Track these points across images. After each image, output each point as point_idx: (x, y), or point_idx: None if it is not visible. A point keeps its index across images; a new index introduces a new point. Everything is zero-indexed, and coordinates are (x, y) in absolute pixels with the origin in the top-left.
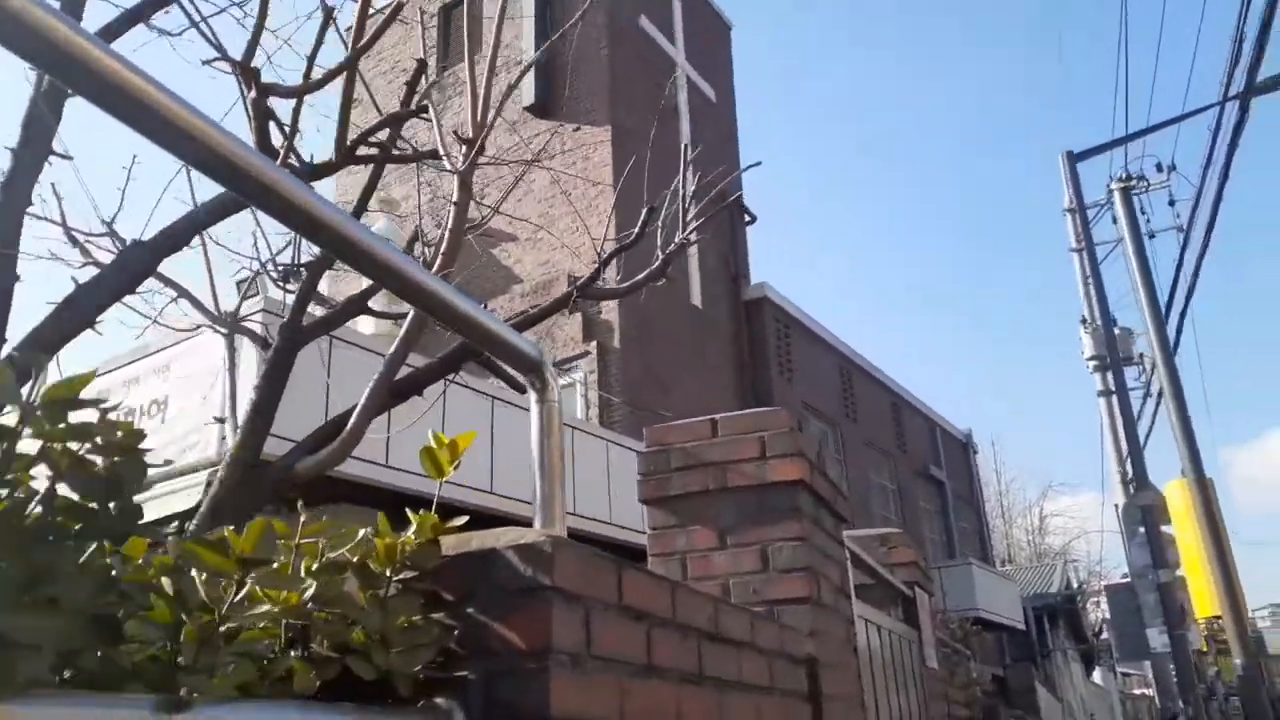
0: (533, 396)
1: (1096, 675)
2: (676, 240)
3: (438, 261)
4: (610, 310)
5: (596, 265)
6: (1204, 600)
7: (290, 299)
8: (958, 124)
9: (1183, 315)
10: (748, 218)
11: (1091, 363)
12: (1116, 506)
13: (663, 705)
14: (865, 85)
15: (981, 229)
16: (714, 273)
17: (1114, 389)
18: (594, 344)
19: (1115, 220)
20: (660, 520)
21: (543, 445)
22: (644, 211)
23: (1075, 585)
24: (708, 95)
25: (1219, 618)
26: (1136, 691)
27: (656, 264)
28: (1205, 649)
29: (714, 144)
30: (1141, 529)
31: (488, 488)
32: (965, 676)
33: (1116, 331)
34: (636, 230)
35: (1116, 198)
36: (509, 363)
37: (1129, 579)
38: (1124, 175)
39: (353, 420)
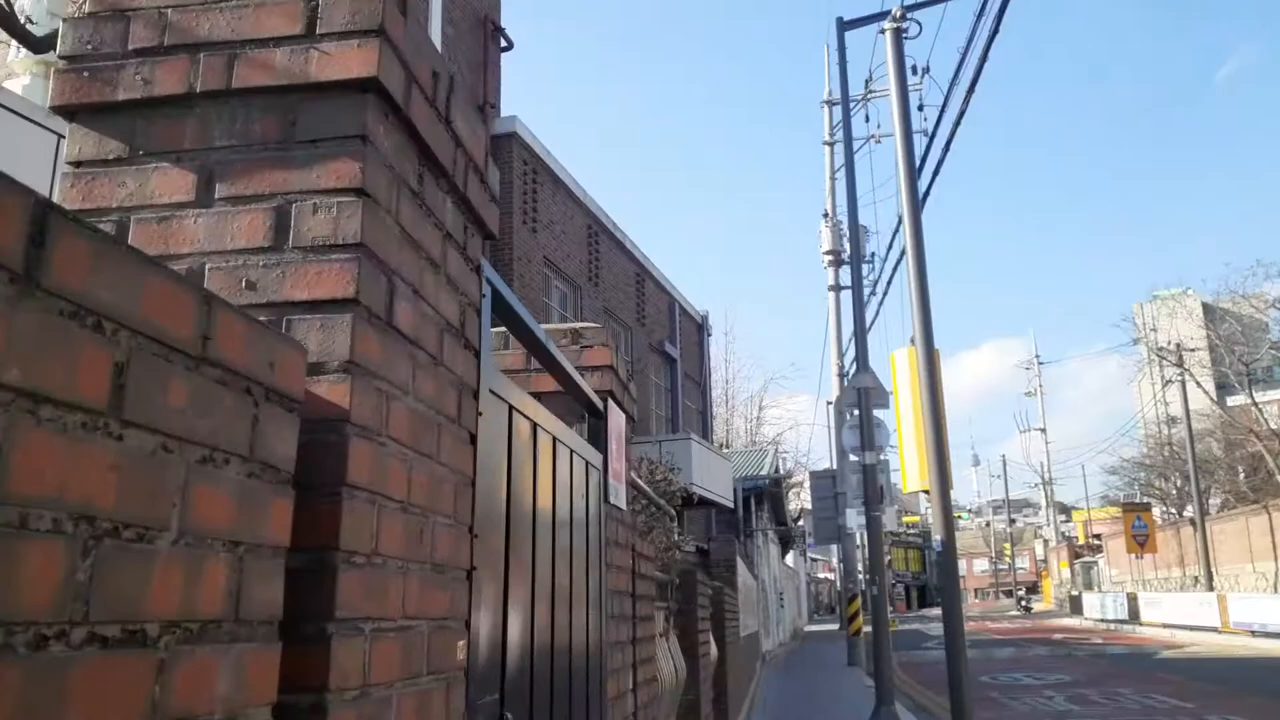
0: None
1: (789, 558)
2: None
3: None
4: None
5: None
6: (918, 471)
7: None
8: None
9: (926, 193)
10: (504, 43)
11: (827, 257)
12: (829, 403)
13: None
14: None
15: (750, 114)
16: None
17: (845, 284)
18: None
19: (867, 119)
20: (92, 147)
21: None
22: None
23: (782, 471)
24: None
25: (927, 491)
26: (820, 575)
27: None
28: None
29: None
30: (856, 412)
31: None
32: (665, 537)
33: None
34: None
35: (887, 38)
36: None
37: (831, 470)
38: (899, 14)
39: None
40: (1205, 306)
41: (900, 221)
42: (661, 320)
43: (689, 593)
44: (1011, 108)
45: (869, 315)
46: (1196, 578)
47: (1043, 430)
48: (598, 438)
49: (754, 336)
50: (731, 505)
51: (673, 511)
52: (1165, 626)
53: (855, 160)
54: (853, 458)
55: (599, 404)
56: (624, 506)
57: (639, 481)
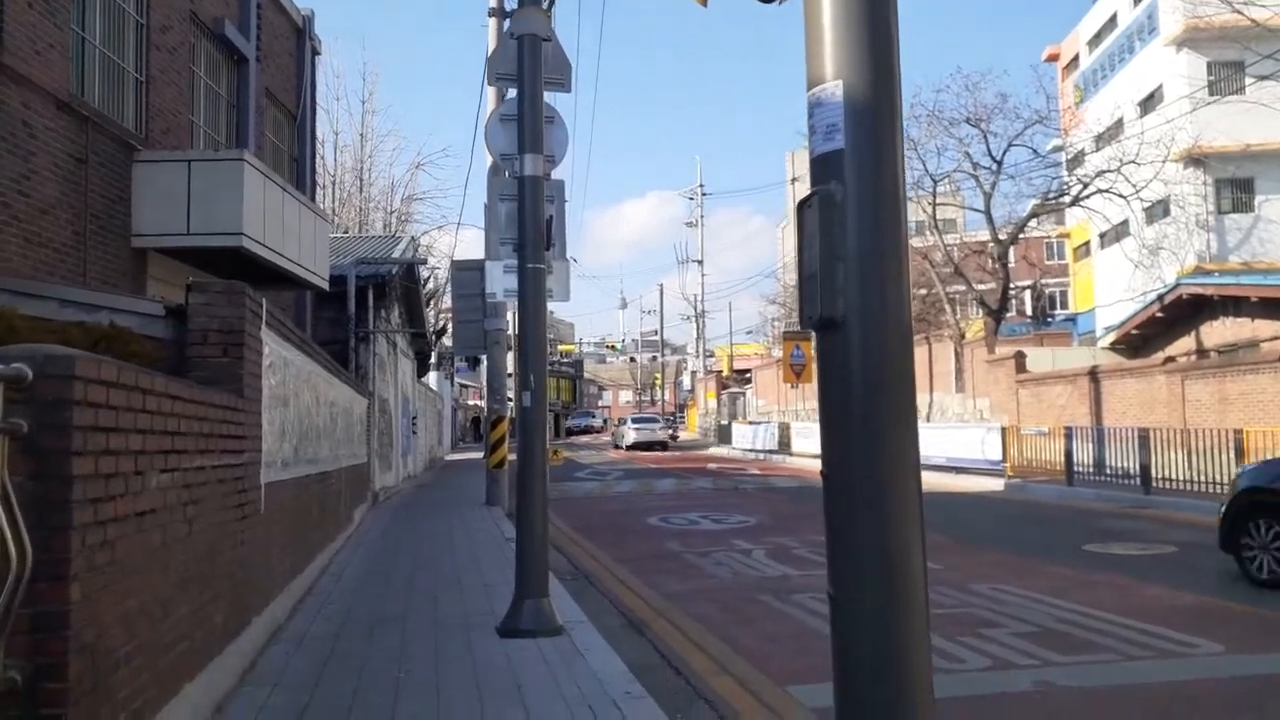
0: None
1: (432, 379)
2: None
3: None
4: None
5: None
6: None
7: None
8: None
9: None
10: None
11: None
12: (485, 206)
13: None
14: None
15: None
16: None
17: (510, 7)
18: None
19: None
20: None
21: None
22: None
23: (422, 263)
24: None
25: None
26: (471, 402)
27: None
28: None
29: None
30: (513, 92)
31: None
32: None
33: None
34: None
35: None
36: None
37: (478, 260)
38: None
39: None
40: None
41: None
42: None
43: None
44: None
45: None
46: None
47: (700, 262)
48: None
49: (402, 116)
50: (326, 286)
51: None
52: (816, 457)
53: None
54: (512, 162)
55: None
56: None
57: None
